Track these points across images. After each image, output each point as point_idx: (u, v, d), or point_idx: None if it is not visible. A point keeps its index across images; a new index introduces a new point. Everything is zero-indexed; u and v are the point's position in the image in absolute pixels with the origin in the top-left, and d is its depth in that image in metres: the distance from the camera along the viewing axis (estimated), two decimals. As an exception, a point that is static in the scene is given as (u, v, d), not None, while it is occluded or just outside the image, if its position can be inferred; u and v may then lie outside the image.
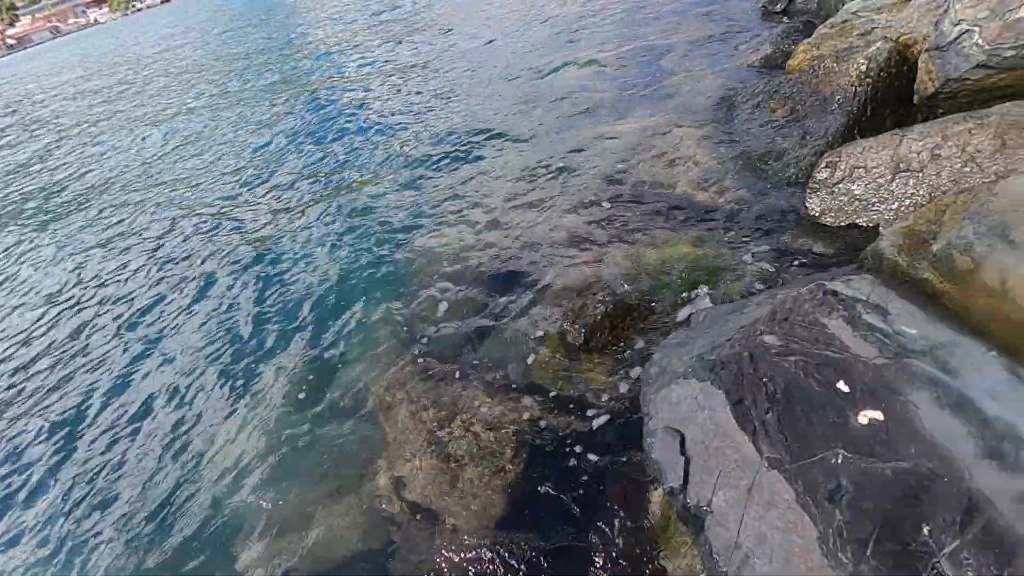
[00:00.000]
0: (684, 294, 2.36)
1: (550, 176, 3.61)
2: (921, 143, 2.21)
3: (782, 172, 2.77)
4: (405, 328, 2.87)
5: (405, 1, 13.55)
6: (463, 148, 4.54)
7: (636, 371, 2.12)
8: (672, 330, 2.20)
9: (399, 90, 6.77)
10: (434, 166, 4.42)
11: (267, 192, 5.05)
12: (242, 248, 4.16)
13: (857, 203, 2.35)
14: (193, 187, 5.83)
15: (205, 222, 4.84)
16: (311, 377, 2.79)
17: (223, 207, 5.06)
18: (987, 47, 2.15)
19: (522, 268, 2.99)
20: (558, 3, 8.47)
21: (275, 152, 6.02)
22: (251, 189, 5.24)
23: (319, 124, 6.50)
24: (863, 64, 2.63)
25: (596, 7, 7.47)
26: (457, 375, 2.45)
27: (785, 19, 4.38)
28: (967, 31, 2.21)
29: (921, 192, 2.18)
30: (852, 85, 2.65)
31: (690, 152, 3.19)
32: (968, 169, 2.08)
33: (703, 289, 2.35)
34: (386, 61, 8.45)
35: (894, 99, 2.62)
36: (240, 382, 2.95)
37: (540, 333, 2.47)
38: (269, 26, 16.83)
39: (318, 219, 4.22)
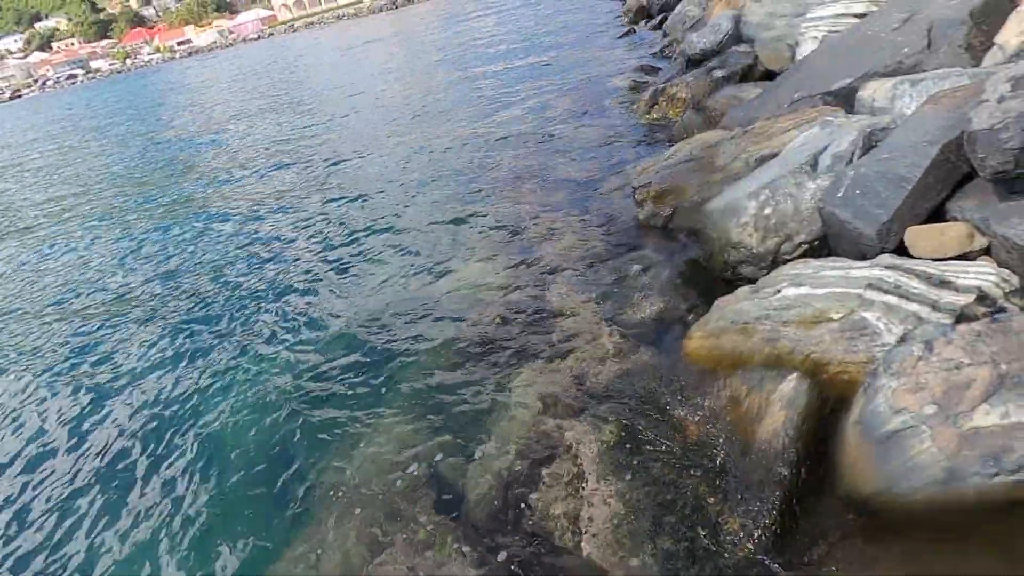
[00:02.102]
0: None
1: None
2: None
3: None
4: None
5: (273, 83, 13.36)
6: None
7: None
8: None
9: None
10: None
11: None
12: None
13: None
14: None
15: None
16: None
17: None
18: (945, 461, 1.64)
19: None
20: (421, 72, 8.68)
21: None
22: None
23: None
24: (781, 414, 2.08)
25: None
26: None
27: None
28: (912, 427, 1.69)
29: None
30: (772, 442, 2.07)
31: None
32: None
33: None
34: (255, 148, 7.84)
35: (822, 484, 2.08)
36: None
37: None
38: (125, 126, 15.81)
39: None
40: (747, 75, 6.37)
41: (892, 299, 2.08)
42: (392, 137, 9.34)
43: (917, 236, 2.61)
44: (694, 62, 7.32)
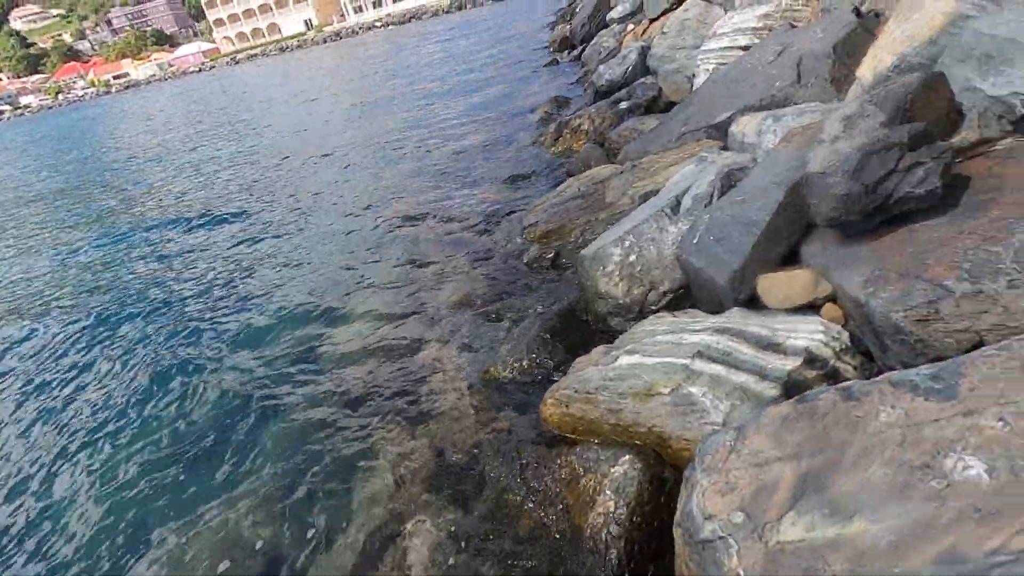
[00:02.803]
0: None
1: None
2: None
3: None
4: None
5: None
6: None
7: None
8: None
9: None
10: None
11: None
12: None
13: None
14: None
15: None
16: None
17: None
18: (756, 577, 1.41)
19: None
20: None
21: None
22: None
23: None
24: (611, 502, 1.84)
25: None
26: None
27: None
28: (721, 539, 1.46)
29: None
30: (599, 535, 1.81)
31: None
32: None
33: None
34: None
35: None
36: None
37: None
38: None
39: None
40: (651, 107, 6.36)
41: (719, 370, 1.88)
42: (302, 167, 9.04)
43: (768, 284, 2.46)
44: (602, 94, 7.31)
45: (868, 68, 3.36)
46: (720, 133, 4.11)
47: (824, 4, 4.40)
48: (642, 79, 6.97)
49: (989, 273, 1.72)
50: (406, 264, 4.81)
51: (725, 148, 3.72)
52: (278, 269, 5.42)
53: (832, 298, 2.33)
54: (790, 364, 1.86)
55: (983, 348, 1.52)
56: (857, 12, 3.91)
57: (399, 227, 5.62)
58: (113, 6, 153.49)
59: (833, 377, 1.92)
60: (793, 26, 4.57)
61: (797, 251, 2.56)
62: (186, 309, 5.11)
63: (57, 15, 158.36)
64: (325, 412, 3.29)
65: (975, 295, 1.72)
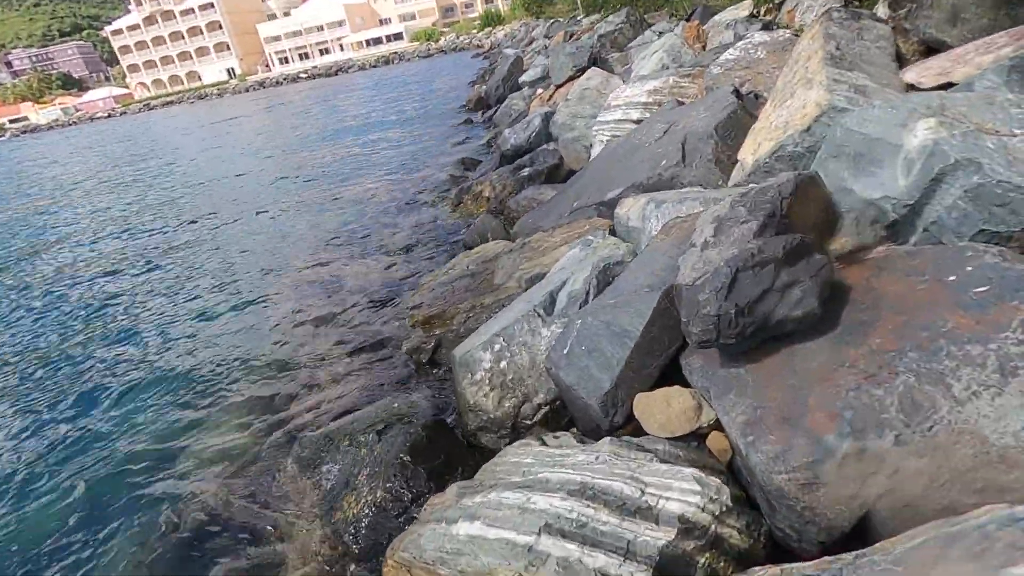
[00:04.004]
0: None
1: None
2: None
3: None
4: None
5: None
6: None
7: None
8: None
9: None
10: None
11: None
12: None
13: None
14: None
15: None
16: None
17: None
18: None
19: None
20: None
21: None
22: None
23: None
24: None
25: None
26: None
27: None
28: None
29: None
30: None
31: None
32: None
33: None
34: None
35: None
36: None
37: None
38: None
39: None
40: (553, 174, 6.21)
41: (572, 549, 1.47)
42: (194, 223, 8.24)
43: (646, 406, 2.12)
44: (507, 158, 7.15)
45: (749, 151, 3.24)
46: (610, 211, 3.90)
47: (707, 82, 4.40)
48: (545, 145, 6.87)
49: (874, 426, 1.43)
50: (277, 357, 4.21)
51: (613, 230, 3.49)
52: (126, 365, 4.63)
53: (718, 425, 2.01)
54: (663, 537, 1.48)
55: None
56: (737, 93, 3.88)
57: (278, 304, 5.02)
58: (15, 47, 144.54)
59: (715, 546, 1.55)
60: (680, 102, 4.54)
61: (677, 360, 2.26)
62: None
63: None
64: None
65: (859, 454, 1.42)
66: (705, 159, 3.59)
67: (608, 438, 2.02)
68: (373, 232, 6.36)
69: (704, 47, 6.00)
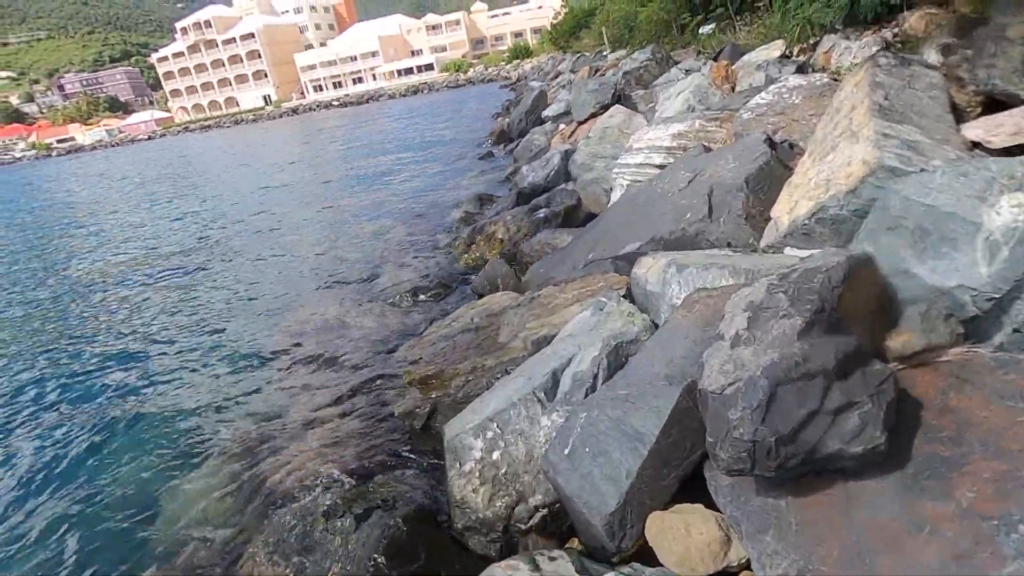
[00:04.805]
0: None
1: None
2: None
3: None
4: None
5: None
6: None
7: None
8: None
9: None
10: None
11: None
12: None
13: None
14: None
15: None
16: None
17: None
18: None
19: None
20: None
21: None
22: None
23: None
24: None
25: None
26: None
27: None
28: None
29: None
30: None
31: None
32: None
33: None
34: None
35: None
36: None
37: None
38: None
39: None
40: (570, 216, 5.92)
41: None
42: (202, 250, 8.13)
43: (660, 531, 1.74)
44: (525, 196, 6.89)
45: (784, 209, 2.89)
46: (627, 266, 3.56)
47: (737, 128, 4.08)
48: (563, 184, 6.60)
49: (973, 634, 1.04)
50: (264, 409, 3.93)
51: (629, 291, 3.14)
52: (113, 415, 4.40)
53: (748, 566, 1.63)
54: None
55: None
56: (770, 141, 3.55)
57: (274, 348, 4.76)
58: (68, 71, 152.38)
59: None
60: (707, 148, 4.22)
61: (700, 470, 1.88)
62: None
63: (7, 77, 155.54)
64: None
65: (956, 676, 1.03)
66: (734, 214, 3.24)
67: (613, 572, 1.65)
68: (383, 272, 6.11)
69: (733, 88, 5.70)
